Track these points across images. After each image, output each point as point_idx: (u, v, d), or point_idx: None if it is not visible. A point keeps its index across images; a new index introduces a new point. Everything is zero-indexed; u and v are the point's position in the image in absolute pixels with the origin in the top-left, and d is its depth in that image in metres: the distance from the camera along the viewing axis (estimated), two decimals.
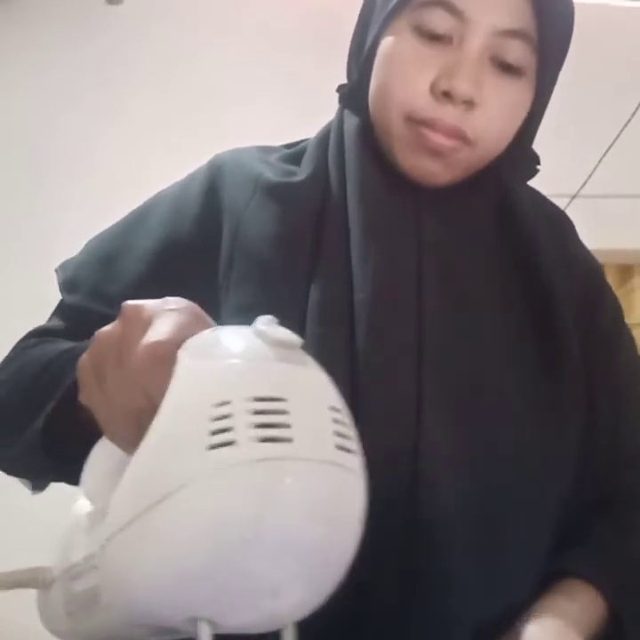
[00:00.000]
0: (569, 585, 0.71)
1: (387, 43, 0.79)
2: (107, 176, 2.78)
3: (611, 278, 3.61)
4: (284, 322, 0.52)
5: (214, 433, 0.44)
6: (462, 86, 0.74)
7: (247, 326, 0.50)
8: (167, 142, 2.79)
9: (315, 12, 2.93)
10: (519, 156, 0.84)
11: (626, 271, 3.16)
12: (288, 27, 2.93)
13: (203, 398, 0.46)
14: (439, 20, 0.75)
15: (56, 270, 0.85)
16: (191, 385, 0.47)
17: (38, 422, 0.67)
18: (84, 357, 0.55)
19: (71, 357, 0.67)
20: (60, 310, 0.85)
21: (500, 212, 0.81)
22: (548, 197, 0.89)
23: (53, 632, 0.57)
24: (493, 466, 0.72)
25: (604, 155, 2.77)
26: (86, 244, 0.87)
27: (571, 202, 2.80)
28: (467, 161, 0.78)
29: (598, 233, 2.87)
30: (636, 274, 3.15)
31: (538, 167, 0.87)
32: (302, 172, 0.82)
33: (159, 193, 0.89)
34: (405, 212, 0.78)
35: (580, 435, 0.76)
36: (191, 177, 0.87)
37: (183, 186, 0.87)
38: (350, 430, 0.48)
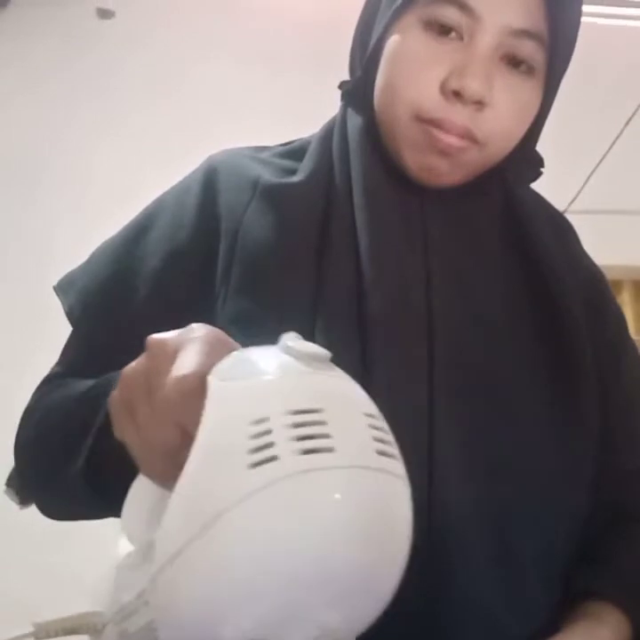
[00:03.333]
0: (596, 607, 0.70)
1: (395, 39, 0.76)
2: (100, 189, 2.78)
3: None
4: (290, 329, 0.52)
5: (255, 450, 0.44)
6: (473, 86, 0.72)
7: (272, 346, 0.50)
8: (160, 155, 2.79)
9: (308, 24, 2.94)
10: (524, 157, 0.83)
11: (615, 286, 3.16)
12: (281, 38, 2.94)
13: (239, 418, 0.45)
14: (450, 16, 0.73)
15: (55, 289, 0.84)
16: (225, 406, 0.47)
17: (78, 462, 0.66)
18: (115, 394, 0.55)
19: (98, 393, 0.67)
20: (74, 342, 0.83)
21: (505, 214, 0.80)
22: (562, 214, 0.90)
23: None
24: (507, 478, 0.70)
25: (594, 170, 2.78)
26: (88, 262, 0.85)
27: None
28: (474, 162, 0.77)
29: (587, 249, 2.89)
30: (626, 289, 3.16)
31: (542, 169, 0.86)
32: (303, 171, 0.80)
33: (158, 201, 0.86)
34: (412, 215, 0.77)
35: (595, 445, 0.75)
36: (187, 183, 0.85)
37: (180, 193, 0.85)
38: (389, 435, 0.48)
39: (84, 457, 0.66)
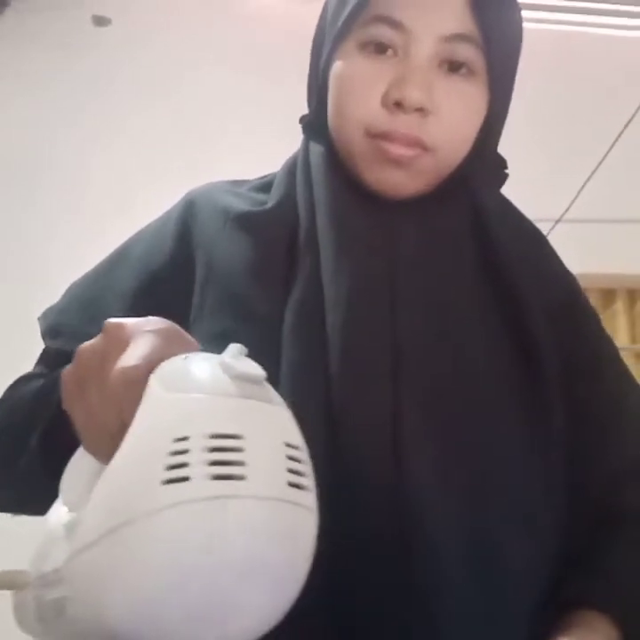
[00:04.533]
0: (587, 615, 0.69)
1: (337, 65, 0.80)
2: (98, 193, 2.79)
3: (594, 302, 3.60)
4: (260, 348, 0.53)
5: (170, 468, 0.45)
6: (412, 94, 0.75)
7: (217, 355, 0.52)
8: (156, 161, 2.80)
9: (305, 31, 2.94)
10: (484, 161, 0.84)
11: (609, 295, 3.17)
12: (278, 46, 2.95)
13: (164, 431, 0.47)
14: (383, 35, 0.77)
15: (38, 319, 0.86)
16: (155, 415, 0.49)
17: (34, 441, 0.68)
18: (69, 369, 0.57)
19: (57, 379, 0.67)
20: (45, 357, 0.85)
21: (473, 224, 0.81)
22: (532, 222, 0.90)
23: (26, 633, 0.59)
24: (478, 490, 0.70)
25: (588, 180, 2.79)
26: (66, 291, 0.88)
27: (554, 226, 2.82)
28: (429, 168, 0.79)
29: (582, 257, 2.89)
30: (619, 298, 3.16)
31: (506, 171, 0.88)
32: (270, 200, 0.83)
33: (137, 233, 0.90)
34: (376, 231, 0.78)
35: (568, 448, 0.75)
36: (166, 214, 0.88)
37: (158, 224, 0.88)
38: (306, 467, 0.49)
39: (38, 434, 0.68)
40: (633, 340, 3.12)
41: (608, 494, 0.77)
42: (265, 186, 0.87)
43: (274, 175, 0.88)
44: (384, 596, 0.66)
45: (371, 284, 0.75)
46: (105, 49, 2.99)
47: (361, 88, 0.78)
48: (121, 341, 0.54)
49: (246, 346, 0.57)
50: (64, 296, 0.87)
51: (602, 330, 0.88)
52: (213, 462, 0.45)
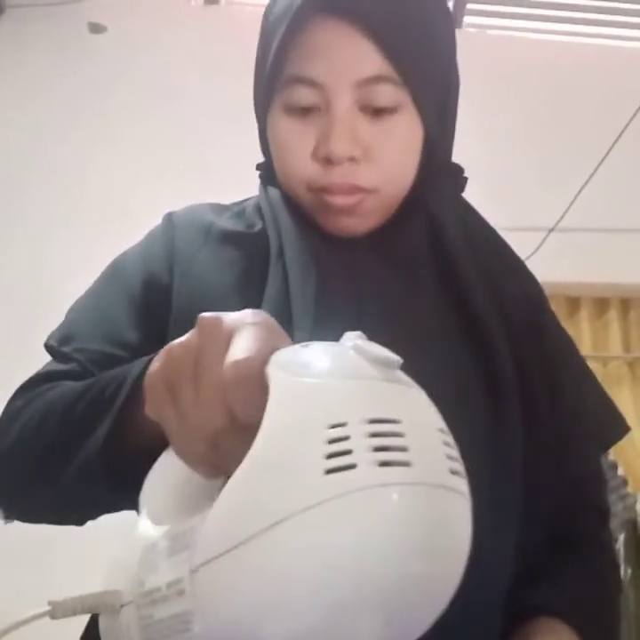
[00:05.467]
0: (548, 623, 0.70)
1: (270, 129, 0.83)
2: (92, 202, 2.79)
3: (587, 311, 3.59)
4: None
5: (331, 456, 0.42)
6: (338, 148, 0.77)
7: (336, 343, 0.49)
8: (152, 168, 2.80)
9: None
10: (437, 179, 0.85)
11: (602, 304, 3.18)
12: None
13: (314, 419, 0.43)
14: (302, 95, 0.79)
15: (44, 345, 0.83)
16: (296, 405, 0.45)
17: (92, 444, 0.64)
18: (155, 371, 0.52)
19: (109, 380, 0.66)
20: (59, 356, 0.82)
21: (430, 244, 0.82)
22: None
23: None
24: None
25: (582, 188, 2.80)
26: (66, 313, 0.87)
27: (548, 235, 2.83)
28: (377, 207, 0.81)
29: (575, 266, 2.91)
30: (613, 307, 3.17)
31: (465, 176, 0.89)
32: (246, 226, 0.85)
33: (123, 253, 0.90)
34: (339, 261, 0.80)
35: (528, 461, 0.75)
36: (149, 234, 0.89)
37: (147, 240, 0.89)
38: (457, 453, 0.47)
39: (103, 437, 0.64)
40: (626, 348, 3.13)
41: (564, 505, 0.78)
42: (240, 213, 0.89)
43: (246, 205, 0.91)
44: None
45: (334, 315, 0.76)
46: (100, 56, 3.00)
47: (293, 148, 0.80)
48: (221, 336, 0.50)
49: None
50: (65, 317, 0.86)
51: (565, 339, 0.89)
52: (377, 448, 0.42)
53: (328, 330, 0.71)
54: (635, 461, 2.84)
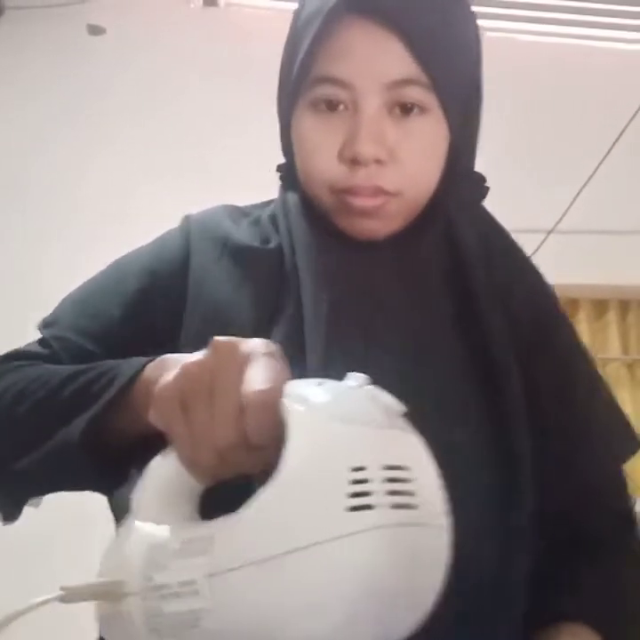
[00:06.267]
0: (568, 627, 0.70)
1: (295, 126, 0.82)
2: (90, 206, 2.79)
3: (586, 313, 3.59)
4: None
5: (353, 495, 0.48)
6: (364, 149, 0.76)
7: (348, 384, 0.54)
8: (150, 173, 2.80)
9: None
10: (458, 186, 0.85)
11: (601, 306, 3.18)
12: (272, 57, 2.96)
13: (339, 460, 0.49)
14: (330, 95, 0.78)
15: (37, 327, 0.86)
16: (321, 443, 0.51)
17: (73, 430, 0.66)
18: (169, 384, 0.55)
19: (97, 375, 0.68)
20: (39, 341, 0.84)
21: (447, 254, 0.82)
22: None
23: None
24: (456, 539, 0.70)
25: (581, 190, 2.80)
26: (62, 300, 0.88)
27: (547, 237, 2.83)
28: (398, 212, 0.81)
29: (574, 268, 2.91)
30: (612, 309, 3.18)
31: (486, 185, 0.89)
32: (261, 240, 0.85)
33: (132, 251, 0.90)
34: (352, 276, 0.80)
35: (539, 465, 0.75)
36: (166, 235, 0.89)
37: (157, 245, 0.88)
38: (445, 493, 0.53)
39: (85, 422, 0.66)
40: (624, 350, 3.13)
41: (579, 511, 0.78)
42: (256, 222, 0.89)
43: (262, 214, 0.90)
44: None
45: (346, 329, 0.76)
46: (100, 57, 3.00)
47: (318, 148, 0.80)
48: (237, 362, 0.54)
49: None
50: (59, 306, 0.88)
51: (575, 346, 0.88)
52: (392, 492, 0.48)
53: (339, 353, 0.74)
54: (636, 464, 2.84)
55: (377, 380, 0.71)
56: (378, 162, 0.77)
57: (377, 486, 0.48)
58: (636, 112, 2.66)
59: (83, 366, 0.72)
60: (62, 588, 0.54)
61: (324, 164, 0.79)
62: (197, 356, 0.56)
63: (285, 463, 0.50)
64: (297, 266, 0.80)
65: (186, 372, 0.55)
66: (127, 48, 3.01)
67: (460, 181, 0.85)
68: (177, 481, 0.56)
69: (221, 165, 2.73)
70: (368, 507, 0.48)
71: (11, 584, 2.20)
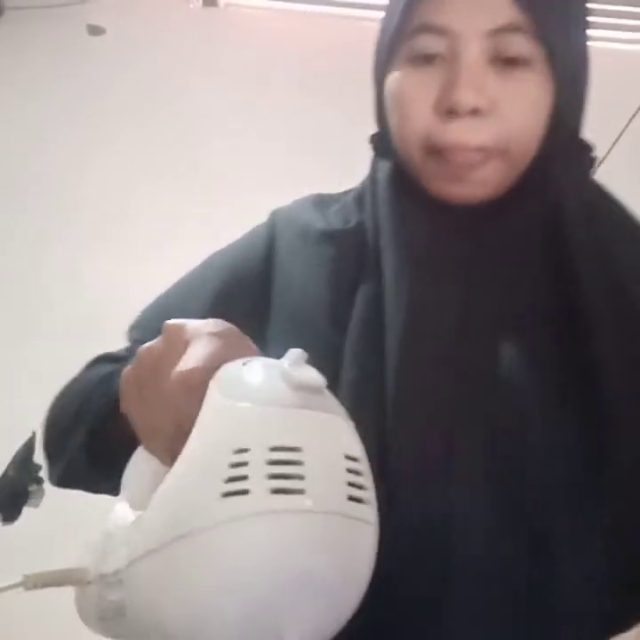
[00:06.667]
0: None
1: (389, 82, 0.77)
2: (90, 206, 2.78)
3: None
4: (320, 368, 0.50)
5: (230, 480, 0.45)
6: (463, 97, 0.71)
7: (276, 361, 0.51)
8: (150, 172, 2.80)
9: (296, 45, 2.96)
10: (565, 149, 0.78)
11: None
12: (270, 58, 2.96)
13: (224, 442, 0.47)
14: (428, 44, 0.74)
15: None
16: (215, 425, 0.48)
17: (82, 431, 0.69)
18: (128, 369, 0.57)
19: (118, 373, 0.70)
20: (126, 346, 0.86)
21: (550, 223, 0.75)
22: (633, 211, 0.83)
23: (88, 627, 0.58)
24: (533, 532, 0.66)
25: None
26: (152, 302, 0.89)
27: None
28: (500, 171, 0.75)
29: None
30: None
31: (592, 155, 0.82)
32: (344, 220, 0.82)
33: (219, 249, 0.89)
34: (442, 242, 0.75)
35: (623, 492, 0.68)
36: (251, 231, 0.88)
37: (243, 240, 0.88)
38: (365, 480, 0.49)
39: (87, 424, 0.69)
40: None
41: None
42: (344, 206, 0.85)
43: (349, 195, 0.86)
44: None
45: (431, 304, 0.72)
46: (99, 57, 3.00)
47: (413, 100, 0.74)
48: (179, 343, 0.53)
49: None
50: (150, 304, 0.88)
51: None
52: (273, 475, 0.45)
53: (424, 332, 0.70)
54: None
55: (466, 362, 0.69)
56: (476, 112, 0.72)
57: (256, 469, 0.45)
58: (636, 113, 2.66)
59: (111, 371, 0.75)
60: (23, 575, 0.53)
61: (418, 117, 0.74)
62: (152, 341, 0.56)
63: (185, 447, 0.49)
64: (379, 239, 0.76)
65: (138, 357, 0.56)
66: (127, 48, 3.00)
67: (566, 147, 0.78)
68: (154, 467, 0.56)
69: (221, 165, 2.73)
70: (243, 492, 0.45)
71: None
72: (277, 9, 3.00)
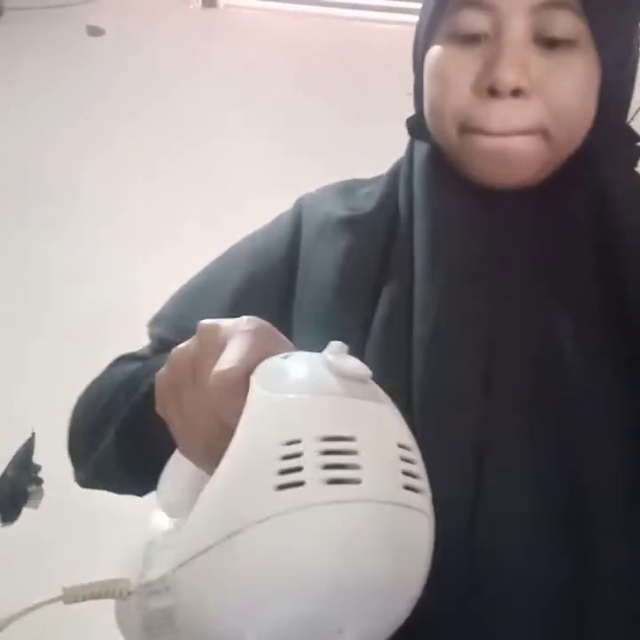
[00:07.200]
0: None
1: (428, 59, 0.74)
2: (89, 206, 2.78)
3: None
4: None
5: (283, 472, 0.44)
6: (505, 75, 0.67)
7: (318, 354, 0.50)
8: (150, 172, 2.80)
9: (292, 45, 2.96)
10: (609, 137, 0.74)
11: None
12: (267, 59, 2.96)
13: (273, 434, 0.45)
14: (471, 20, 0.70)
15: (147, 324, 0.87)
16: (262, 419, 0.47)
17: (112, 430, 0.68)
18: (163, 371, 0.55)
19: (146, 372, 0.69)
20: (150, 343, 0.85)
21: (595, 215, 0.71)
22: None
23: None
24: (563, 527, 0.63)
25: None
26: (178, 289, 0.87)
27: None
28: (542, 155, 0.70)
29: None
30: None
31: (639, 145, 0.77)
32: (372, 204, 0.79)
33: (247, 236, 0.87)
34: (480, 228, 0.71)
35: None
36: (278, 219, 0.86)
37: (270, 228, 0.86)
38: (419, 468, 0.47)
39: (118, 423, 0.68)
40: None
41: None
42: (371, 191, 0.81)
43: (388, 172, 0.82)
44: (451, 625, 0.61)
45: (465, 296, 0.69)
46: (99, 58, 2.99)
47: (451, 79, 0.71)
48: (215, 343, 0.52)
49: None
50: (172, 296, 0.86)
51: None
52: (328, 466, 0.44)
53: (454, 321, 0.67)
54: None
55: (497, 360, 0.65)
56: (518, 93, 0.68)
57: (310, 460, 0.44)
58: (635, 113, 2.66)
59: (135, 370, 0.74)
60: (62, 589, 0.52)
61: (455, 95, 0.70)
62: (185, 343, 0.55)
63: (231, 444, 0.47)
64: (412, 223, 0.73)
65: (173, 358, 0.54)
66: (126, 49, 3.00)
67: (613, 135, 0.74)
68: (193, 473, 0.54)
69: (221, 165, 2.73)
70: (298, 483, 0.44)
71: (11, 586, 2.21)
72: (277, 10, 3.00)
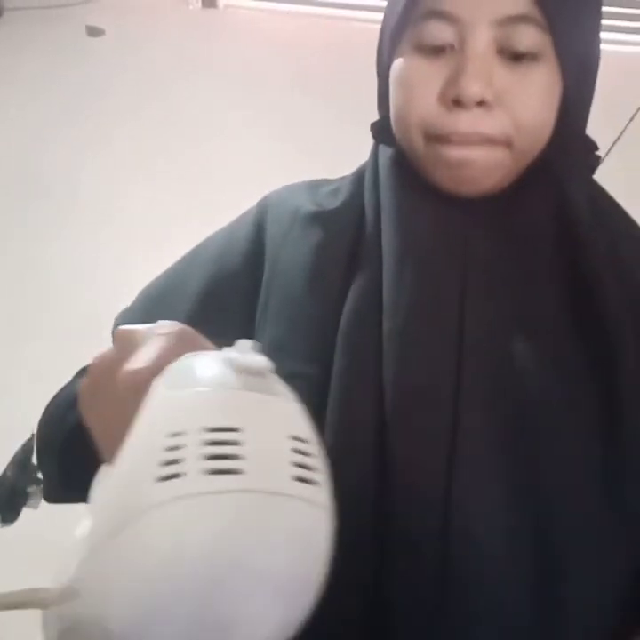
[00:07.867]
0: None
1: (394, 68, 0.75)
2: (89, 206, 2.78)
3: None
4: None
5: (165, 464, 0.43)
6: (469, 87, 0.69)
7: (218, 353, 0.50)
8: (149, 173, 2.80)
9: (288, 47, 2.96)
10: (568, 147, 0.76)
11: None
12: (265, 59, 2.96)
13: (159, 428, 0.45)
14: (436, 31, 0.71)
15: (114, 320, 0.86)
16: (152, 414, 0.47)
17: (54, 454, 0.71)
18: (83, 385, 0.57)
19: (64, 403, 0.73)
20: None
21: (555, 220, 0.73)
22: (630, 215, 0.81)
23: None
24: (541, 521, 0.63)
25: None
26: (140, 291, 0.87)
27: None
28: (504, 164, 0.73)
29: None
30: None
31: (597, 153, 0.81)
32: (338, 202, 0.80)
33: (211, 235, 0.87)
34: (444, 236, 0.72)
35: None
36: (241, 217, 0.86)
37: (233, 226, 0.86)
38: (315, 461, 0.46)
39: (60, 437, 0.70)
40: None
41: None
42: (338, 188, 0.83)
43: (346, 178, 0.84)
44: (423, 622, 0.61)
45: (435, 292, 0.70)
46: (98, 59, 3.00)
47: (417, 89, 0.72)
48: (131, 348, 0.53)
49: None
50: (136, 297, 0.87)
51: None
52: (210, 456, 0.43)
53: (422, 320, 0.68)
54: None
55: (469, 356, 0.66)
56: (482, 104, 0.70)
57: (192, 451, 0.43)
58: (635, 114, 2.66)
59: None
60: None
61: (421, 105, 0.72)
62: (103, 350, 0.56)
63: (124, 443, 0.47)
64: (380, 224, 0.73)
65: (93, 365, 0.56)
66: (126, 49, 3.00)
67: (573, 143, 0.77)
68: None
69: (220, 165, 2.73)
70: (178, 475, 0.43)
71: (11, 586, 2.20)
72: (276, 10, 3.00)
